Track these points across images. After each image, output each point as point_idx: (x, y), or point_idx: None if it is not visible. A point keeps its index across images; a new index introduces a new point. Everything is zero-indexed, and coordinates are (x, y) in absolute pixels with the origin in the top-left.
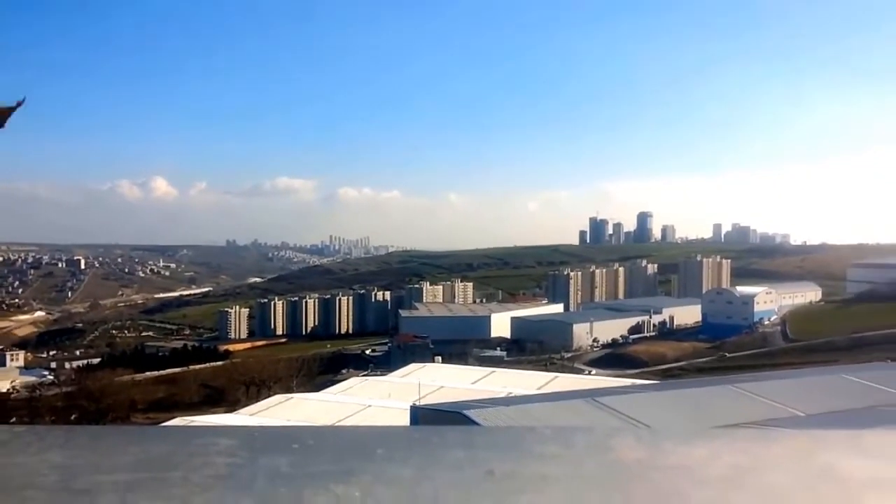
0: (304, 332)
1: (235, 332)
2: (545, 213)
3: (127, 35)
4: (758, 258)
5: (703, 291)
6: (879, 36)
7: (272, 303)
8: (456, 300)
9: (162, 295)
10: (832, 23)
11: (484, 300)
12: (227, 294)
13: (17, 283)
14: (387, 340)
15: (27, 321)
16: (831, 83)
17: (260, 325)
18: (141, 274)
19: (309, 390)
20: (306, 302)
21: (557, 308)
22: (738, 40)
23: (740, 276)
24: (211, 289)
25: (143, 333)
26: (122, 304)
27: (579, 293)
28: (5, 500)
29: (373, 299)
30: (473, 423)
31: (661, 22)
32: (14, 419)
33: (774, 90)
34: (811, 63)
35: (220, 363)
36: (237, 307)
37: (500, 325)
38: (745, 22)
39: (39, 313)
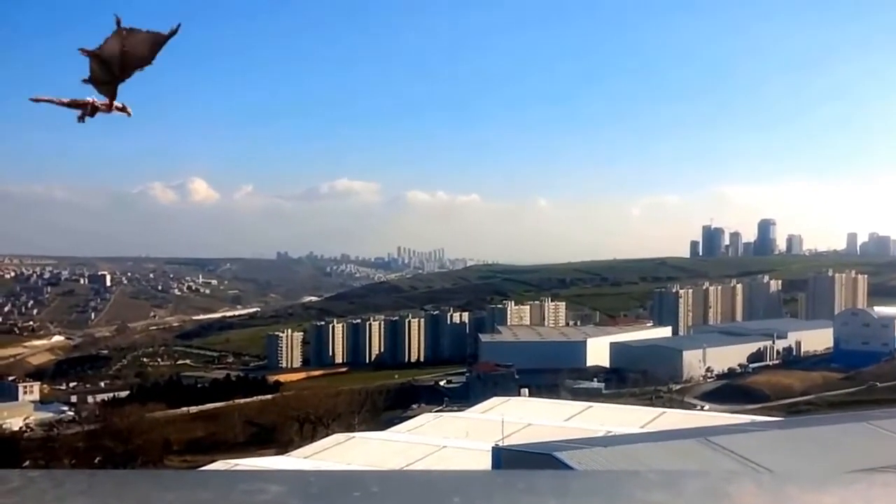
0: (367, 360)
1: (287, 361)
2: (650, 221)
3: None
4: None
5: (836, 312)
6: None
7: (330, 326)
8: (545, 322)
9: (201, 317)
10: None
11: (578, 322)
12: (277, 315)
13: (31, 302)
14: (464, 370)
15: (43, 347)
16: None
17: (316, 352)
18: (177, 292)
19: (373, 428)
20: (370, 324)
21: (665, 332)
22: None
23: (879, 294)
24: (258, 309)
25: (179, 362)
26: (155, 328)
27: (690, 314)
28: None
29: (448, 321)
30: (566, 466)
31: (782, 3)
32: (28, 462)
33: None
34: None
35: (268, 396)
36: (289, 331)
37: (598, 351)
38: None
39: (58, 338)
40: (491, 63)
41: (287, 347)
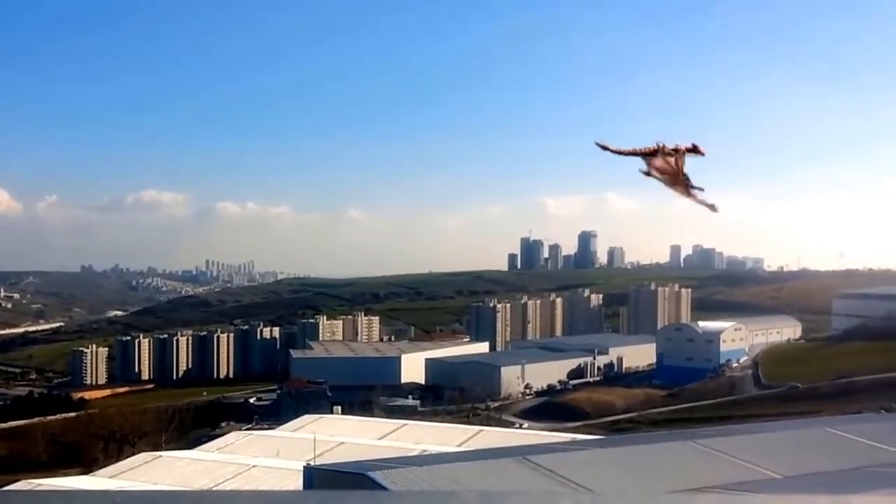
0: (175, 377)
1: (92, 377)
2: (467, 233)
3: None
4: (725, 287)
5: (659, 327)
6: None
7: (136, 341)
8: (359, 338)
9: (3, 332)
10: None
11: (393, 338)
12: (81, 330)
13: None
14: (275, 387)
15: None
16: (797, 83)
17: (122, 369)
18: None
19: (181, 447)
20: (177, 340)
21: (482, 347)
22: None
23: (704, 308)
24: (63, 324)
25: None
26: None
27: (508, 329)
28: None
29: (258, 336)
30: (380, 486)
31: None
32: None
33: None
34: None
35: (73, 414)
36: (94, 346)
37: (413, 367)
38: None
39: None
40: (302, 71)
41: (92, 363)
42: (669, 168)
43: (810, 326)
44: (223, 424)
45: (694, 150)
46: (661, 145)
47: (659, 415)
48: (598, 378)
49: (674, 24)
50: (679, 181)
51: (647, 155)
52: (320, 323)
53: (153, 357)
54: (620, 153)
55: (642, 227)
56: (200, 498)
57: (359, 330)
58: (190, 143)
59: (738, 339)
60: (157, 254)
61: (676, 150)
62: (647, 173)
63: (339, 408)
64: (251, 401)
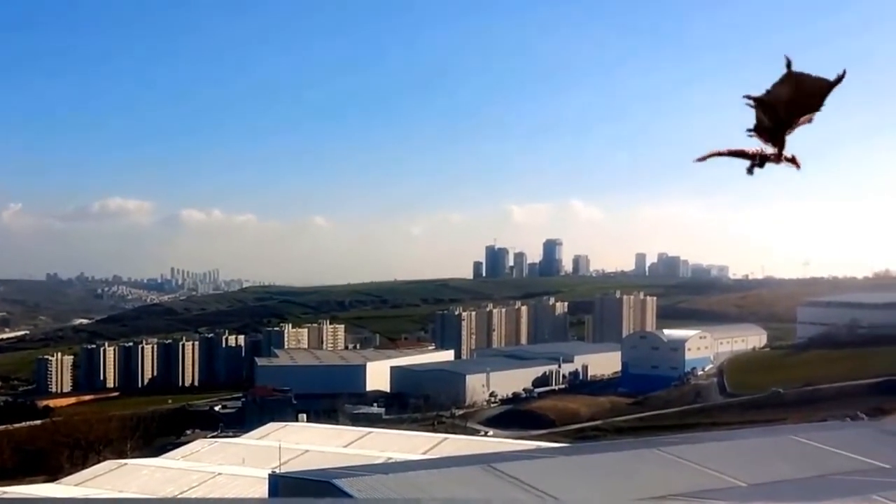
0: (140, 385)
1: (57, 385)
2: (433, 241)
3: None
4: (690, 295)
5: (624, 335)
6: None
7: (101, 349)
8: (324, 346)
9: None
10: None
11: (358, 346)
12: (46, 338)
13: None
14: (240, 395)
15: None
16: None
17: (87, 376)
18: None
19: (146, 455)
20: (143, 348)
21: (447, 355)
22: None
23: (669, 316)
24: (28, 332)
25: None
26: None
27: (473, 337)
28: None
29: (223, 344)
30: (345, 494)
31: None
32: None
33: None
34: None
35: (38, 422)
36: (59, 354)
37: (378, 375)
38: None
39: None
40: (268, 79)
41: (57, 371)
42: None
43: (775, 334)
44: (188, 432)
45: (792, 160)
46: (762, 151)
47: (624, 423)
48: (563, 386)
49: (635, 27)
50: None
51: (749, 157)
52: (285, 331)
53: (118, 365)
54: (724, 154)
55: (607, 235)
56: None
57: (324, 338)
58: (155, 151)
59: (703, 348)
60: (123, 262)
61: (779, 157)
62: (750, 170)
63: (305, 416)
64: (216, 409)
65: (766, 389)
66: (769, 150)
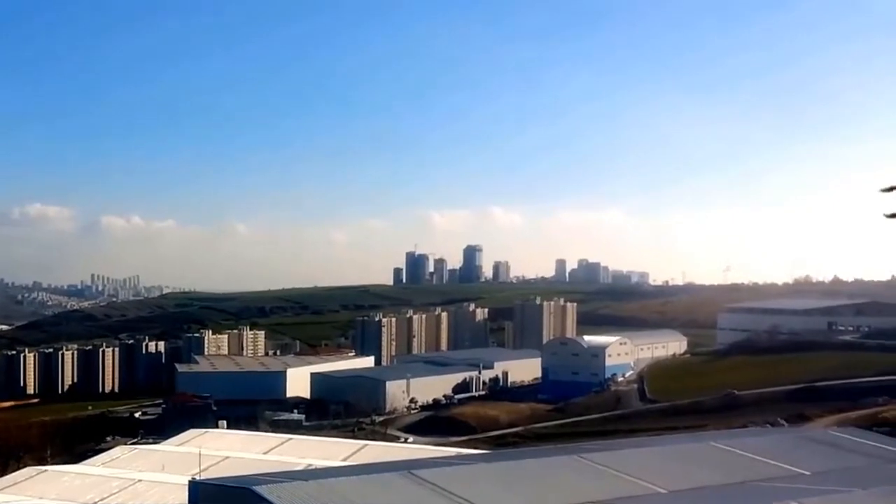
0: (60, 391)
1: None
2: (352, 247)
3: None
4: (610, 301)
5: (544, 341)
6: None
7: (21, 355)
8: (244, 352)
9: None
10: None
11: (278, 352)
12: None
13: None
14: (160, 401)
15: None
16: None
17: (7, 383)
18: None
19: (66, 462)
20: (63, 354)
21: (367, 362)
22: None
23: (589, 322)
24: None
25: None
26: None
27: (394, 343)
28: None
29: (144, 351)
30: (265, 501)
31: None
32: None
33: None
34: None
35: None
36: None
37: (298, 382)
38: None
39: None
40: (186, 82)
41: None
42: None
43: (695, 340)
44: (109, 439)
45: None
46: None
47: (544, 429)
48: (483, 392)
49: (555, 33)
50: None
51: None
52: (206, 337)
53: (38, 371)
54: None
55: (527, 241)
56: None
57: (244, 344)
58: (75, 156)
59: (624, 354)
60: (43, 268)
61: None
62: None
63: (225, 422)
64: (136, 415)
65: (685, 396)
66: None
